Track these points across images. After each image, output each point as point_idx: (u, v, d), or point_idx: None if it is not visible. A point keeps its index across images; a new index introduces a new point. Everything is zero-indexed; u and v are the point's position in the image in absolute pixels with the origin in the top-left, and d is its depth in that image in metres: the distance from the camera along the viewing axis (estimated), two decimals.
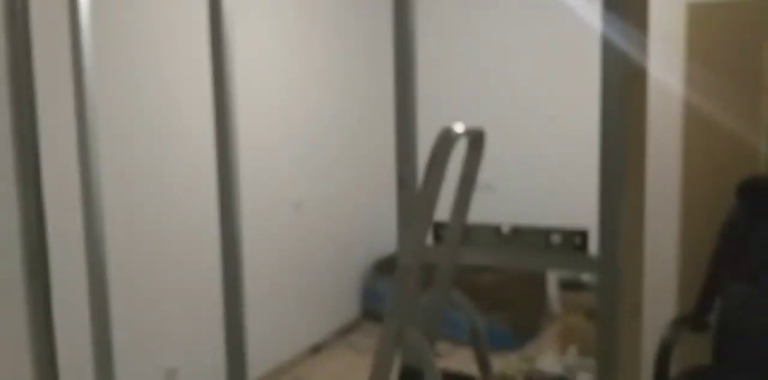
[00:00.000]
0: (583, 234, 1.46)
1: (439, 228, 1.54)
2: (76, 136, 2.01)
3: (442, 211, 1.43)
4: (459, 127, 1.23)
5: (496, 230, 1.54)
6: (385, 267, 4.58)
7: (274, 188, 3.51)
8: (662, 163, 2.81)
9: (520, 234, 1.51)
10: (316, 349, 3.99)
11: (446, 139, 1.19)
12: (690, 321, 2.60)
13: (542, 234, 1.48)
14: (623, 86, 1.32)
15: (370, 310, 4.58)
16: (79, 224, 2.05)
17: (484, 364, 1.51)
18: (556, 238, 1.48)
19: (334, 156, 4.26)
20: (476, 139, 1.38)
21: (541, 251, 1.49)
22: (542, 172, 4.49)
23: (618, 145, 1.32)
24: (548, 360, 3.05)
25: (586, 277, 3.46)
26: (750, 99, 2.58)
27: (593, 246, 1.44)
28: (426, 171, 1.18)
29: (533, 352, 3.58)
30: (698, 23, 2.67)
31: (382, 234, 4.73)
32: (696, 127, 2.71)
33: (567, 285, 3.49)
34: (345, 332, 4.33)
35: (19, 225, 2.16)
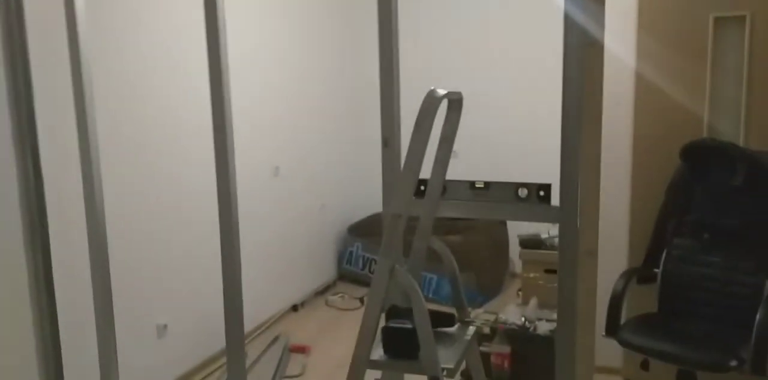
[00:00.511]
0: (547, 188, 1.68)
1: (420, 184, 1.74)
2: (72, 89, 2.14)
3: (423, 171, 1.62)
4: (441, 90, 1.42)
5: (471, 185, 1.75)
6: (359, 231, 4.79)
7: (254, 153, 3.65)
8: (614, 127, 3.04)
9: (492, 189, 1.73)
10: (295, 308, 4.21)
11: (432, 99, 1.38)
12: (638, 273, 2.89)
13: (511, 188, 1.70)
14: (582, 54, 1.52)
15: (346, 272, 4.81)
16: (78, 184, 2.20)
17: (459, 303, 1.73)
18: (523, 191, 1.70)
19: (312, 122, 4.42)
20: (456, 101, 1.57)
21: (511, 203, 1.71)
22: (510, 135, 4.72)
23: (577, 108, 1.53)
24: (511, 311, 3.31)
25: (545, 236, 3.72)
26: (696, 68, 2.82)
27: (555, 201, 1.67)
28: (415, 127, 1.36)
29: (497, 307, 3.85)
30: None
31: (357, 199, 4.93)
32: (646, 93, 2.93)
33: (527, 244, 3.76)
34: (322, 292, 4.56)
35: (17, 184, 2.29)
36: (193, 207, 3.18)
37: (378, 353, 1.46)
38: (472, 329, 1.65)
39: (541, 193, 1.69)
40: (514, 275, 4.66)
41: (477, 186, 1.75)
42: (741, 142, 2.78)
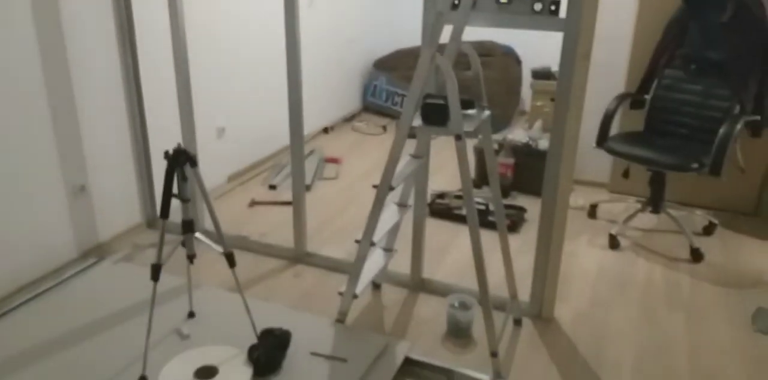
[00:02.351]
0: (557, 3, 2.08)
1: None
2: None
3: None
4: None
5: (496, 0, 2.15)
6: (383, 65, 5.20)
7: None
8: None
9: (513, 3, 2.14)
10: (326, 130, 4.76)
11: None
12: (631, 97, 3.35)
13: (528, 3, 2.11)
14: None
15: (370, 104, 5.30)
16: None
17: (479, 94, 2.21)
18: (538, 6, 2.11)
19: None
20: None
21: (527, 15, 2.13)
22: None
23: None
24: (517, 133, 3.83)
25: (555, 69, 4.13)
26: None
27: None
28: None
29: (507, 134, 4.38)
30: None
31: (382, 35, 5.28)
32: None
33: (538, 75, 4.18)
34: (349, 119, 5.10)
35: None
36: (258, 26, 3.63)
37: (417, 121, 1.97)
38: (486, 112, 2.15)
39: (552, 7, 2.09)
40: (523, 113, 5.14)
41: (502, 1, 2.15)
42: None
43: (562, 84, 2.17)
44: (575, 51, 2.11)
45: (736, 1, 2.89)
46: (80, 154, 2.70)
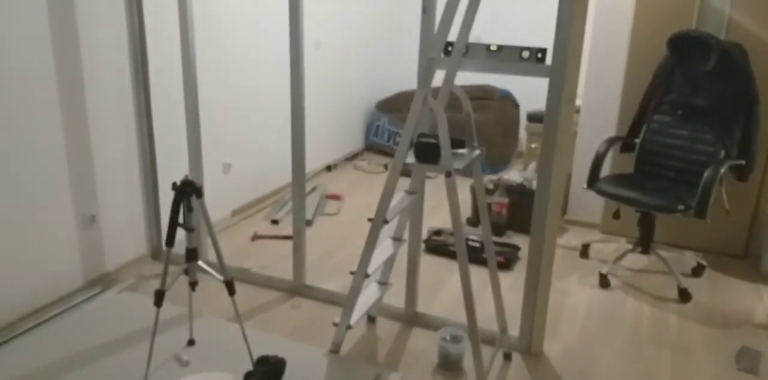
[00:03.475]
0: (543, 51, 2.24)
1: (448, 45, 2.29)
2: None
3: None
4: None
5: (486, 47, 2.31)
6: (386, 107, 5.38)
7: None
8: (616, 18, 3.51)
9: (502, 51, 2.29)
10: (329, 168, 4.91)
11: None
12: (621, 141, 3.48)
13: (517, 50, 2.26)
14: None
15: (372, 143, 5.46)
16: (175, 33, 2.78)
17: (469, 134, 2.34)
18: (526, 53, 2.26)
19: (351, 5, 4.87)
20: None
21: (516, 62, 2.28)
22: (518, 14, 5.16)
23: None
24: (513, 174, 3.95)
25: None
26: None
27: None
28: None
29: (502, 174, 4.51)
30: None
31: (385, 78, 5.48)
32: None
33: (533, 118, 4.33)
34: (351, 158, 5.25)
35: (126, 32, 2.87)
36: (266, 66, 3.82)
37: (411, 158, 2.10)
38: (477, 151, 2.27)
39: (539, 55, 2.24)
40: (521, 155, 5.28)
41: (491, 48, 2.30)
42: (722, 34, 3.26)
43: (549, 126, 2.30)
44: (561, 95, 2.24)
45: (720, 50, 3.05)
46: (92, 185, 2.83)
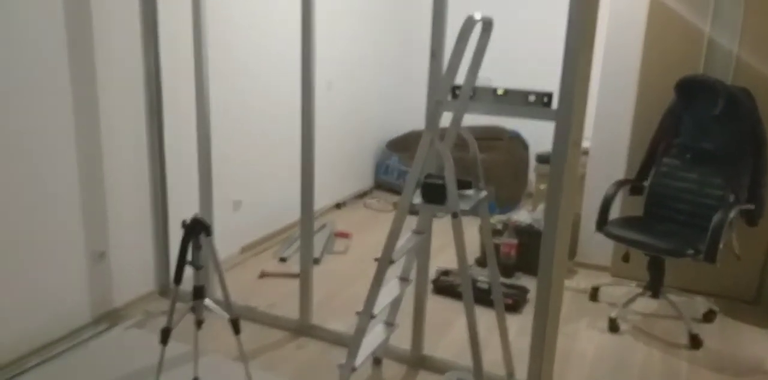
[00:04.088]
0: (549, 95, 2.27)
1: (455, 89, 2.34)
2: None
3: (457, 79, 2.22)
4: (477, 15, 2.00)
5: (493, 91, 2.35)
6: (396, 146, 5.44)
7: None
8: (625, 63, 3.57)
9: (508, 95, 2.33)
10: (338, 206, 4.94)
11: (470, 21, 1.96)
12: (630, 183, 3.49)
13: (523, 95, 2.30)
14: (582, 7, 2.06)
15: (382, 182, 5.50)
16: (190, 79, 2.85)
17: (476, 175, 2.36)
18: (532, 97, 2.29)
19: (363, 47, 4.98)
20: (487, 24, 2.15)
21: (522, 106, 2.31)
22: (526, 60, 5.24)
23: (576, 42, 2.09)
24: (522, 214, 3.96)
25: None
26: (700, 15, 3.30)
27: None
28: (457, 41, 1.95)
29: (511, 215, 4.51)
30: None
31: (395, 118, 5.56)
32: (654, 35, 3.43)
33: (542, 159, 4.36)
34: (361, 196, 5.28)
35: (143, 79, 2.95)
36: (278, 105, 3.90)
37: (417, 199, 2.12)
38: (483, 192, 2.29)
39: (545, 100, 2.28)
40: (531, 195, 5.28)
41: (498, 92, 2.35)
42: (729, 79, 3.30)
43: (555, 169, 2.31)
44: (567, 139, 2.27)
45: (727, 95, 3.08)
46: (103, 222, 2.86)
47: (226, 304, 2.20)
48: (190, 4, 2.78)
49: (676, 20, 3.37)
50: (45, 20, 2.47)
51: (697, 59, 3.36)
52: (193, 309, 2.21)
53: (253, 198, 3.89)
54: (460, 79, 2.18)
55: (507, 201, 4.96)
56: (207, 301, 2.21)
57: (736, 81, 3.29)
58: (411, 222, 2.23)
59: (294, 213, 4.00)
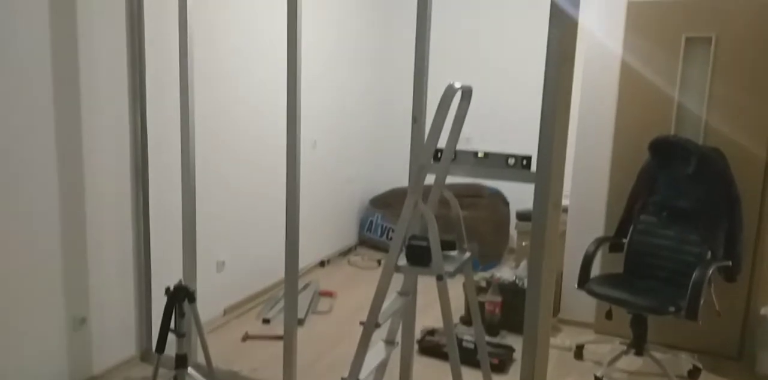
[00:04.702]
0: (529, 159, 2.34)
1: (437, 152, 2.41)
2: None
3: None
4: (457, 84, 2.08)
5: (474, 154, 2.42)
6: (379, 202, 5.48)
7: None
8: (600, 123, 3.69)
9: (489, 158, 2.40)
10: (322, 264, 4.92)
11: (451, 90, 2.04)
12: (609, 241, 3.54)
13: (503, 158, 2.37)
14: (557, 73, 2.16)
15: (366, 239, 5.51)
16: (176, 146, 2.90)
17: (460, 236, 2.40)
18: (511, 160, 2.36)
19: (346, 107, 5.10)
20: (467, 92, 2.23)
21: (502, 168, 2.38)
22: (504, 122, 5.38)
23: (552, 107, 2.17)
24: (505, 271, 3.98)
25: None
26: (669, 79, 3.45)
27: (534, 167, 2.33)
28: (437, 109, 2.03)
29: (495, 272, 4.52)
30: (636, 17, 3.50)
31: (379, 175, 5.64)
32: (627, 97, 3.57)
33: (522, 217, 4.41)
34: (345, 253, 5.27)
35: (129, 143, 2.99)
36: (262, 166, 3.92)
37: (402, 261, 2.14)
38: (467, 253, 2.32)
39: (524, 162, 2.35)
40: (512, 251, 5.32)
41: (479, 155, 2.41)
42: (701, 139, 3.42)
43: (537, 230, 2.35)
44: (547, 200, 2.32)
45: (699, 155, 3.18)
46: (85, 287, 2.83)
47: (209, 371, 2.17)
48: (178, 67, 2.87)
49: (646, 85, 3.51)
50: (34, 68, 2.52)
51: (668, 121, 3.49)
52: (176, 378, 2.18)
53: (236, 258, 3.88)
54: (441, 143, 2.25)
55: (489, 257, 4.99)
56: (189, 370, 2.18)
57: (707, 141, 3.41)
58: (396, 280, 2.25)
59: (278, 272, 4.00)
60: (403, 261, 2.15)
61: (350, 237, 5.46)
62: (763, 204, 3.36)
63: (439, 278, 2.06)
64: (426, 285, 2.84)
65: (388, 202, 5.41)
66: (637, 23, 3.51)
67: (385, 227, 5.38)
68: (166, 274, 3.18)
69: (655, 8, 3.46)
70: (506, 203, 5.25)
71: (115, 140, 2.94)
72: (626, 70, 3.56)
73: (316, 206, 4.81)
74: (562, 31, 2.11)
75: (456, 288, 3.63)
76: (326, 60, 4.74)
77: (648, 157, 3.40)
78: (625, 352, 3.28)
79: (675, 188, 3.34)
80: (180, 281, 2.08)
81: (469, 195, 5.00)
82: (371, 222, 5.48)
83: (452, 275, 2.09)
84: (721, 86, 3.37)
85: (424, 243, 2.11)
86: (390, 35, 5.60)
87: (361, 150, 5.47)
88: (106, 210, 2.92)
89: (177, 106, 2.90)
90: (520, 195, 5.02)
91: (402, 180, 5.13)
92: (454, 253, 2.29)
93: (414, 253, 2.12)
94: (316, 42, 4.55)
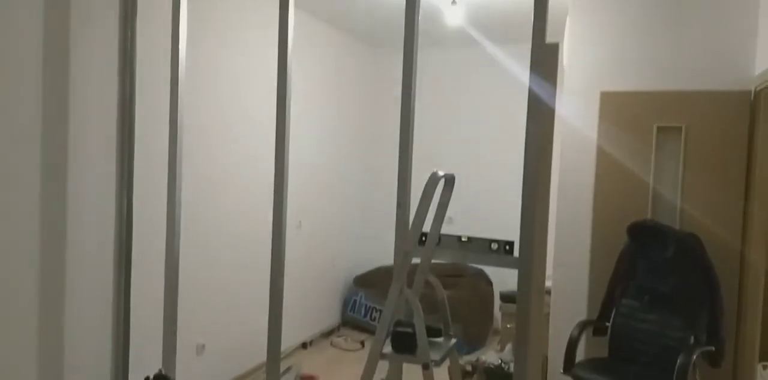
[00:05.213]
0: (511, 244, 2.40)
1: (422, 236, 2.45)
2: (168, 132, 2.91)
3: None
4: (440, 172, 2.16)
5: (458, 238, 2.47)
6: (363, 282, 5.46)
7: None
8: (579, 209, 3.78)
9: (473, 242, 2.45)
10: (305, 345, 4.83)
11: (434, 178, 2.12)
12: (593, 324, 3.54)
13: (486, 242, 2.42)
14: (535, 164, 2.26)
15: (349, 318, 5.44)
16: (161, 222, 2.92)
17: (445, 322, 2.40)
18: (494, 245, 2.41)
19: (330, 189, 5.19)
20: (450, 180, 2.31)
21: (485, 253, 2.42)
22: (486, 207, 5.50)
23: (531, 195, 2.25)
24: (490, 355, 3.93)
25: None
26: (643, 166, 3.59)
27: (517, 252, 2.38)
28: (422, 196, 2.10)
29: (480, 355, 4.46)
30: (608, 106, 3.68)
31: (362, 254, 5.64)
32: (603, 184, 3.68)
33: (506, 299, 4.42)
34: (328, 334, 5.19)
35: (115, 219, 3.01)
36: (247, 246, 3.94)
37: (387, 348, 2.13)
38: (453, 340, 2.32)
39: (507, 247, 2.40)
40: (497, 332, 5.27)
41: (462, 240, 2.46)
42: (677, 224, 3.51)
43: (521, 313, 2.37)
44: (530, 285, 2.35)
45: (677, 240, 3.26)
46: (59, 371, 2.76)
47: None
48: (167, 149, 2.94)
49: (622, 170, 3.63)
50: (23, 117, 2.57)
51: (645, 205, 3.58)
52: None
53: (216, 341, 3.80)
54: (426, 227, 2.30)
55: (474, 339, 4.94)
56: None
57: (683, 226, 3.49)
58: (382, 366, 2.23)
59: (258, 356, 3.92)
60: (388, 348, 2.14)
61: (333, 317, 5.39)
62: (741, 289, 3.41)
63: (425, 367, 2.05)
64: (411, 371, 2.80)
65: (371, 281, 5.39)
66: (609, 112, 3.67)
67: (369, 307, 5.33)
68: (145, 358, 3.10)
69: (628, 98, 3.64)
70: (489, 283, 5.26)
71: (99, 212, 2.95)
72: (602, 156, 3.68)
73: (300, 286, 4.78)
74: (540, 123, 2.23)
75: (441, 373, 3.57)
76: (313, 142, 4.87)
77: (627, 240, 3.47)
78: None
79: (655, 272, 3.38)
80: (160, 370, 2.04)
81: (451, 274, 5.01)
82: (355, 301, 5.43)
83: (438, 364, 2.08)
84: (692, 174, 3.49)
85: (409, 330, 2.11)
86: (375, 116, 5.79)
87: (344, 228, 5.51)
88: (86, 290, 2.88)
89: (163, 191, 2.95)
90: (502, 276, 5.04)
91: (386, 258, 5.14)
92: (439, 340, 2.28)
93: (400, 340, 2.12)
94: (302, 124, 4.69)
